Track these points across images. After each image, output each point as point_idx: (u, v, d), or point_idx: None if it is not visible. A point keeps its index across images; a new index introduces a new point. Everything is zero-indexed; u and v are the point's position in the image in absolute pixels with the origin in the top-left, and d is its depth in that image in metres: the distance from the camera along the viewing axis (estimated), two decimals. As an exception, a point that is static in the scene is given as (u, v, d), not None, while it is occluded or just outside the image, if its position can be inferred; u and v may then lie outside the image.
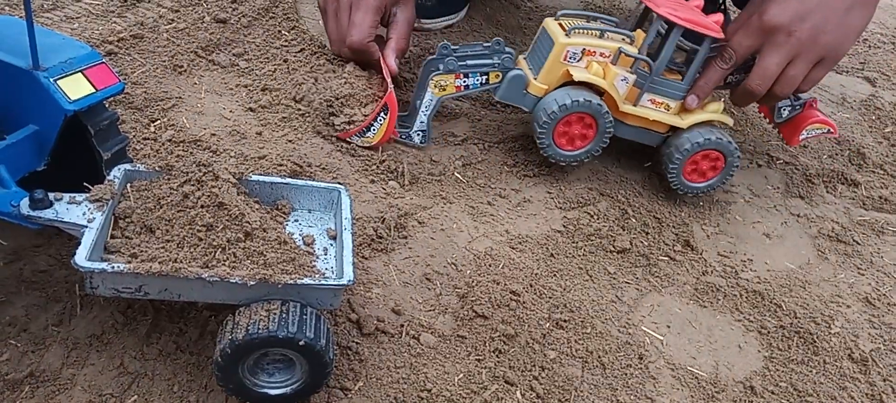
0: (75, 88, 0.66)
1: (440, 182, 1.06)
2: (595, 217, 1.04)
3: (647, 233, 1.05)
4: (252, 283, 0.62)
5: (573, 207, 1.06)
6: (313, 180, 0.89)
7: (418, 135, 1.09)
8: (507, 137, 1.17)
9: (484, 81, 1.07)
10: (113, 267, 0.59)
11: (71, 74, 0.67)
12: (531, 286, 0.90)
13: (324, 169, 1.01)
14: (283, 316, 0.62)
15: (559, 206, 1.06)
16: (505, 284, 0.89)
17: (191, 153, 0.94)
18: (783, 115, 1.14)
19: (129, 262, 0.60)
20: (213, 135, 1.00)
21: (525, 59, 1.10)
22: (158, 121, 0.99)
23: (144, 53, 1.11)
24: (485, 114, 1.23)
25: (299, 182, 0.77)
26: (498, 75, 1.06)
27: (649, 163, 1.20)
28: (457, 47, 1.09)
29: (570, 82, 1.03)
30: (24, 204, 0.63)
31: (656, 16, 1.00)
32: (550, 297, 0.89)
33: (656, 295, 0.94)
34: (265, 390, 0.66)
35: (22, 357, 0.67)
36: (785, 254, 1.07)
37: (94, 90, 0.68)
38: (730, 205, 1.15)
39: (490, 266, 0.92)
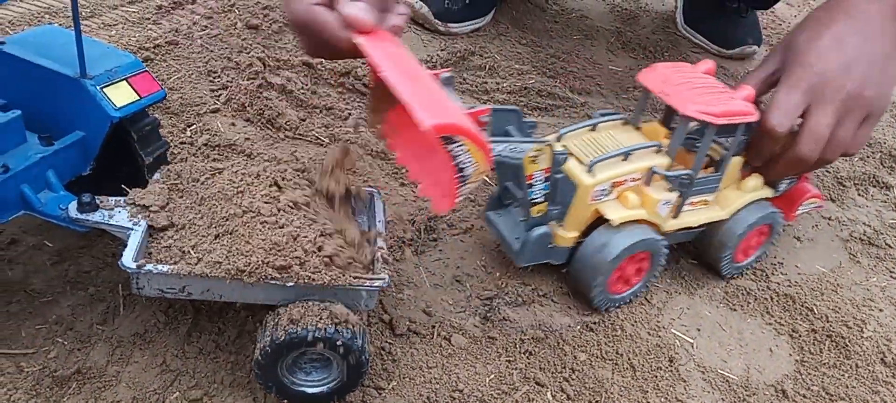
0: (120, 96, 0.69)
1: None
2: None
3: (676, 236, 1.05)
4: (290, 285, 0.64)
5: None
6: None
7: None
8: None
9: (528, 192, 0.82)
10: (158, 269, 0.61)
11: (116, 82, 0.69)
12: (560, 288, 0.91)
13: (355, 172, 1.03)
14: (321, 316, 0.64)
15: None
16: (534, 286, 0.90)
17: (226, 157, 0.96)
18: (780, 189, 0.97)
19: (174, 263, 0.62)
20: (247, 139, 1.03)
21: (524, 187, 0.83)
22: (194, 126, 1.01)
23: (180, 59, 1.14)
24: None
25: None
26: (543, 208, 0.84)
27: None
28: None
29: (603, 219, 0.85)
30: (72, 207, 0.65)
31: (682, 115, 0.83)
32: (579, 301, 0.90)
33: (685, 298, 0.94)
34: (303, 388, 0.68)
35: (69, 354, 0.70)
36: (816, 258, 1.06)
37: (137, 97, 0.70)
38: (759, 208, 1.15)
39: (519, 268, 0.93)
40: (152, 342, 0.72)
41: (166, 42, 1.17)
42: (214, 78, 1.12)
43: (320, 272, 0.65)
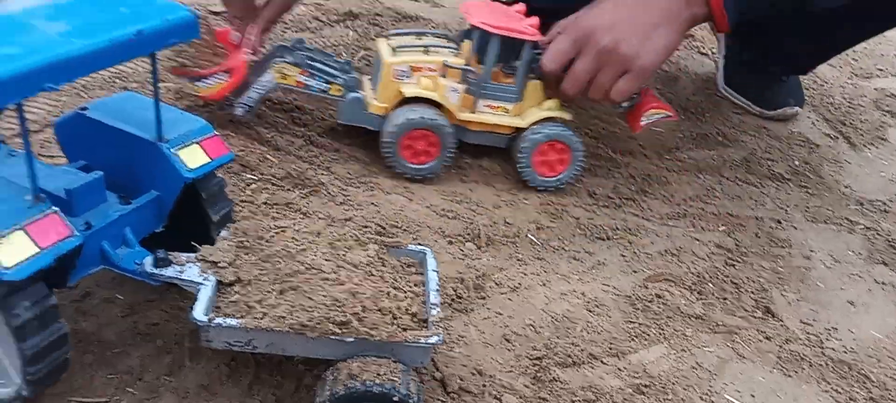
0: (192, 158, 0.73)
1: (515, 244, 1.09)
2: (671, 281, 1.05)
3: (726, 299, 1.04)
4: (349, 340, 0.66)
5: (648, 271, 1.07)
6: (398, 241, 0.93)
7: (243, 107, 1.13)
8: (579, 202, 1.20)
9: (324, 90, 1.12)
10: (227, 322, 0.64)
11: (189, 145, 0.74)
12: (610, 349, 0.91)
13: (404, 230, 1.06)
14: (379, 372, 0.66)
15: (634, 270, 1.07)
16: (583, 347, 0.91)
17: (284, 215, 1.00)
18: (623, 106, 1.20)
19: (242, 317, 0.65)
20: (303, 197, 1.07)
21: (369, 80, 1.17)
22: (254, 185, 1.06)
23: (236, 123, 1.20)
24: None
25: (387, 241, 0.81)
26: (340, 90, 1.12)
27: (724, 227, 1.20)
28: (311, 49, 1.15)
29: (408, 99, 1.10)
30: (148, 262, 0.69)
31: (471, 24, 1.09)
32: (629, 362, 0.90)
33: (738, 364, 0.93)
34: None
35: (137, 404, 0.73)
36: (871, 323, 1.04)
37: (208, 159, 0.75)
38: (810, 271, 1.14)
39: (567, 328, 0.93)
40: (216, 394, 0.75)
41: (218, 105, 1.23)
42: (268, 141, 1.17)
43: (378, 328, 0.67)
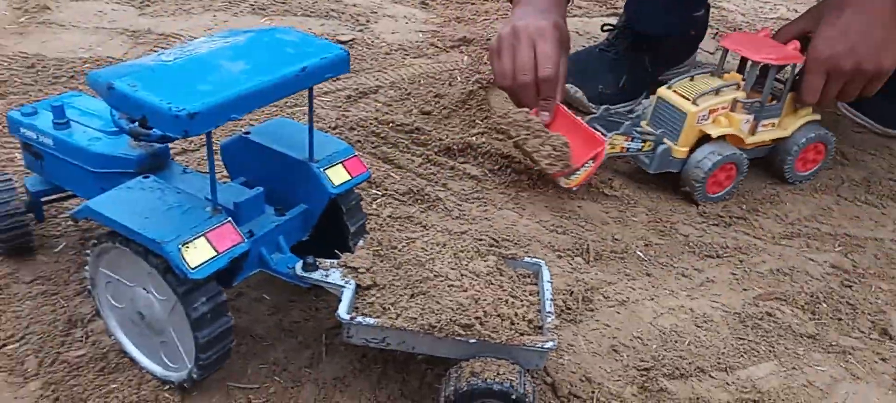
0: (337, 176, 0.83)
1: (623, 259, 1.13)
2: (783, 300, 1.05)
3: (841, 320, 1.03)
4: (473, 341, 0.73)
5: (759, 289, 1.08)
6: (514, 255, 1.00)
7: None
8: (689, 221, 1.22)
9: (639, 148, 1.24)
10: (366, 321, 0.73)
11: (334, 165, 0.84)
12: (718, 364, 0.94)
13: (516, 244, 1.12)
14: (499, 371, 0.72)
15: (744, 288, 1.08)
16: (691, 360, 0.93)
17: (406, 227, 1.09)
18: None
19: (378, 317, 0.74)
20: (422, 211, 1.16)
21: (649, 124, 1.29)
22: (379, 200, 1.16)
23: (362, 142, 1.31)
24: (659, 197, 1.28)
25: (505, 253, 0.88)
26: (650, 145, 1.23)
27: (840, 248, 1.18)
28: (623, 113, 1.29)
29: (705, 137, 1.24)
30: (298, 266, 0.80)
31: (751, 62, 1.23)
32: (738, 378, 0.92)
33: (851, 383, 0.93)
34: (477, 436, 0.76)
35: (284, 391, 0.83)
36: None
37: (350, 177, 0.85)
38: (933, 295, 1.10)
39: (675, 342, 0.96)
40: (349, 386, 0.84)
41: (349, 127, 1.35)
42: (391, 160, 1.27)
43: (498, 332, 0.74)
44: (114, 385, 0.80)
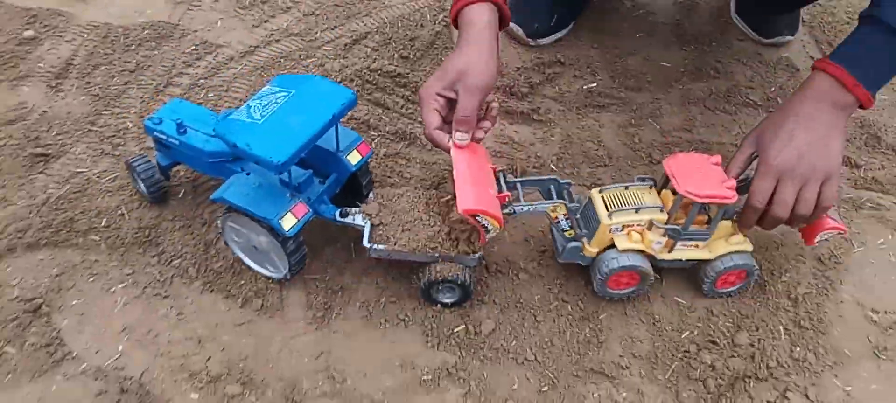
0: (354, 158, 1.40)
1: (539, 174, 1.72)
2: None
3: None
4: (436, 255, 1.35)
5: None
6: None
7: (514, 212, 1.34)
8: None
9: (565, 230, 1.39)
10: (379, 246, 1.35)
11: (351, 151, 1.41)
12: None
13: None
14: (451, 269, 1.35)
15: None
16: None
17: (397, 163, 1.67)
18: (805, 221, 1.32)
19: (384, 244, 1.35)
20: (406, 147, 1.73)
21: (576, 216, 1.37)
22: (376, 140, 1.73)
23: (360, 90, 1.84)
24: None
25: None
26: (573, 233, 1.37)
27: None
28: (573, 200, 1.37)
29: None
30: (337, 214, 1.39)
31: (678, 192, 1.24)
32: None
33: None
34: (442, 300, 1.41)
35: (334, 277, 1.46)
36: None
37: (361, 157, 1.41)
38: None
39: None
40: (371, 275, 1.47)
41: (349, 78, 1.87)
42: (381, 103, 1.82)
43: (450, 249, 1.36)
44: (242, 280, 1.43)
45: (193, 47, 1.91)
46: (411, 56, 1.93)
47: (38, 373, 1.28)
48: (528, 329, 1.41)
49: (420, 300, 1.43)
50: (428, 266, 1.37)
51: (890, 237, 1.59)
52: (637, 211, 1.30)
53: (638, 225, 1.31)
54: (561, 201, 1.37)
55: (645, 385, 1.34)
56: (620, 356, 1.38)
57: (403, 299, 1.44)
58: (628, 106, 1.87)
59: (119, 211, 1.53)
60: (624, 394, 1.33)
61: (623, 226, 1.31)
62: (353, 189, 1.47)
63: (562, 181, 1.40)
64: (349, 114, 1.46)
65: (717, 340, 1.41)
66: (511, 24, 1.95)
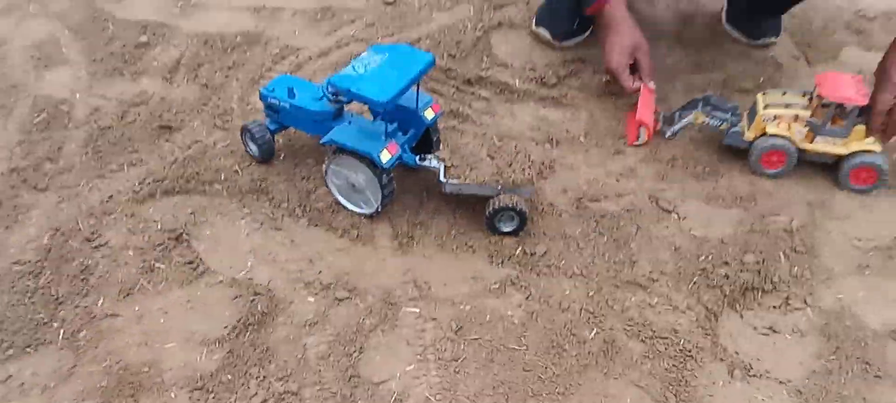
0: (429, 113, 1.76)
1: (571, 143, 2.07)
2: (644, 161, 2.01)
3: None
4: (499, 187, 1.69)
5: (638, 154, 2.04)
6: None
7: (671, 132, 1.94)
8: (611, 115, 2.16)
9: (718, 126, 1.85)
10: (451, 182, 1.68)
11: (427, 109, 1.76)
12: (611, 192, 1.91)
13: (510, 137, 2.05)
14: (511, 199, 1.68)
15: (632, 153, 2.04)
16: (606, 193, 1.91)
17: (456, 131, 2.02)
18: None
19: (455, 180, 1.69)
20: (460, 124, 2.08)
21: (747, 115, 1.85)
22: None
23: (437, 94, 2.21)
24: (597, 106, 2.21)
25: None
26: (726, 125, 1.83)
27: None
28: (713, 98, 1.87)
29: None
30: (417, 159, 1.74)
31: (821, 96, 1.68)
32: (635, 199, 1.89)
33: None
34: (503, 228, 1.73)
35: (414, 209, 1.79)
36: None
37: (434, 114, 1.77)
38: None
39: (601, 185, 1.93)
40: (442, 210, 1.80)
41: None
42: (435, 91, 2.18)
43: (508, 182, 1.69)
44: (340, 217, 1.76)
45: (278, 50, 2.28)
46: (457, 55, 2.30)
47: (185, 282, 1.60)
48: (573, 253, 1.74)
49: (484, 230, 1.76)
50: (492, 198, 1.70)
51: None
52: (787, 106, 1.74)
53: (787, 117, 1.73)
54: (698, 111, 1.89)
55: (672, 293, 1.66)
56: (650, 271, 1.70)
57: (470, 231, 1.77)
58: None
59: (234, 169, 1.87)
60: (656, 299, 1.64)
61: (775, 116, 1.75)
62: (425, 142, 1.82)
63: (712, 96, 1.92)
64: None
65: (729, 261, 1.72)
66: (540, 29, 2.33)
